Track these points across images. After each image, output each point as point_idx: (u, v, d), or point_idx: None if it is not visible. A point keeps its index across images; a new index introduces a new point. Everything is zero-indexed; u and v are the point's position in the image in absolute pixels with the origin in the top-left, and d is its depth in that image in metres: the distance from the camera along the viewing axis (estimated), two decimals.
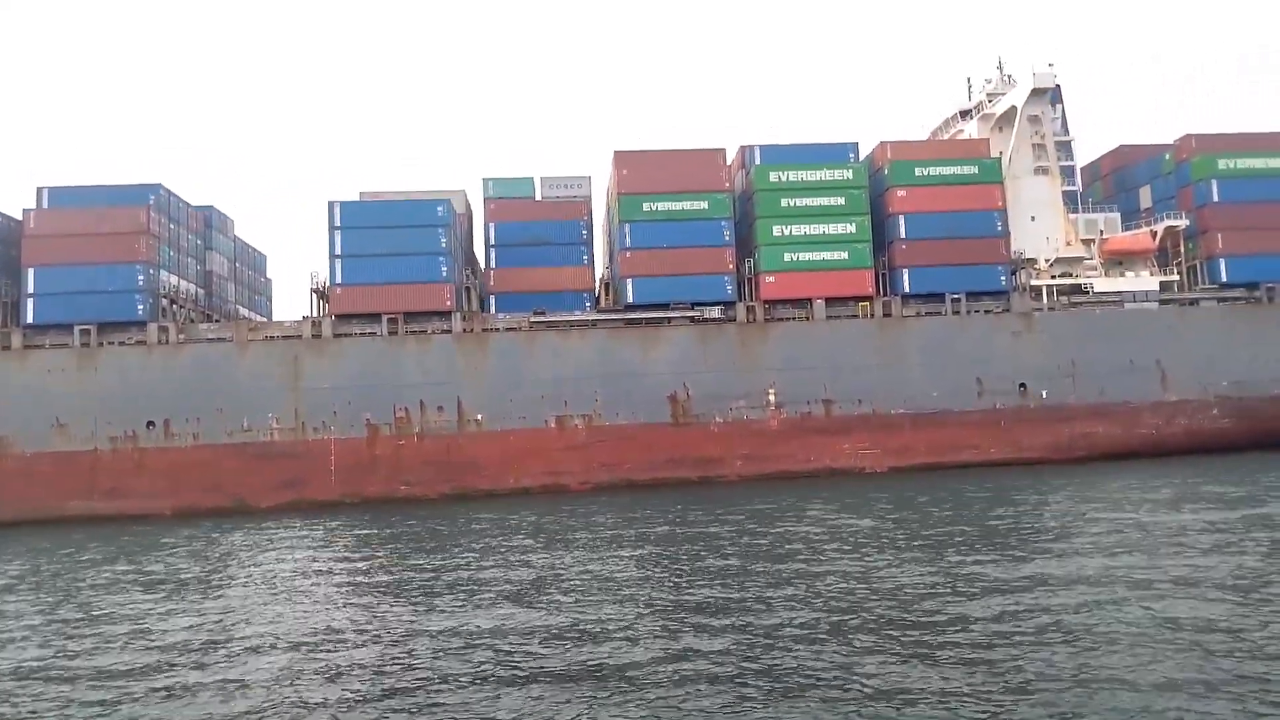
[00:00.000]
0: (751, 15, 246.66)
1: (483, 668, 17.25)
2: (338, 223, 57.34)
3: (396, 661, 18.03)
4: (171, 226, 60.73)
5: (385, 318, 56.95)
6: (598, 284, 65.63)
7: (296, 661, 18.41)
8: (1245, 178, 63.11)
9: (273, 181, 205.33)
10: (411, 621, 21.36)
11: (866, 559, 26.47)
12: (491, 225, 62.29)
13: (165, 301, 58.40)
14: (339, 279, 57.16)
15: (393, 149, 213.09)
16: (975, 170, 61.94)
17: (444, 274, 57.36)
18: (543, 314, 58.68)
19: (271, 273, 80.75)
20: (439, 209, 57.95)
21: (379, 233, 57.27)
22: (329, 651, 19.09)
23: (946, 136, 71.69)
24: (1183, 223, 63.20)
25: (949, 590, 21.64)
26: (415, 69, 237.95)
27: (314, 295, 59.70)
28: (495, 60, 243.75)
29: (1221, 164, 63.11)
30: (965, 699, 14.31)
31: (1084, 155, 75.56)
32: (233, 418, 55.47)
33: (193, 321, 60.99)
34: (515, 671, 16.92)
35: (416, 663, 17.83)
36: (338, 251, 57.23)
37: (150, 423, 55.16)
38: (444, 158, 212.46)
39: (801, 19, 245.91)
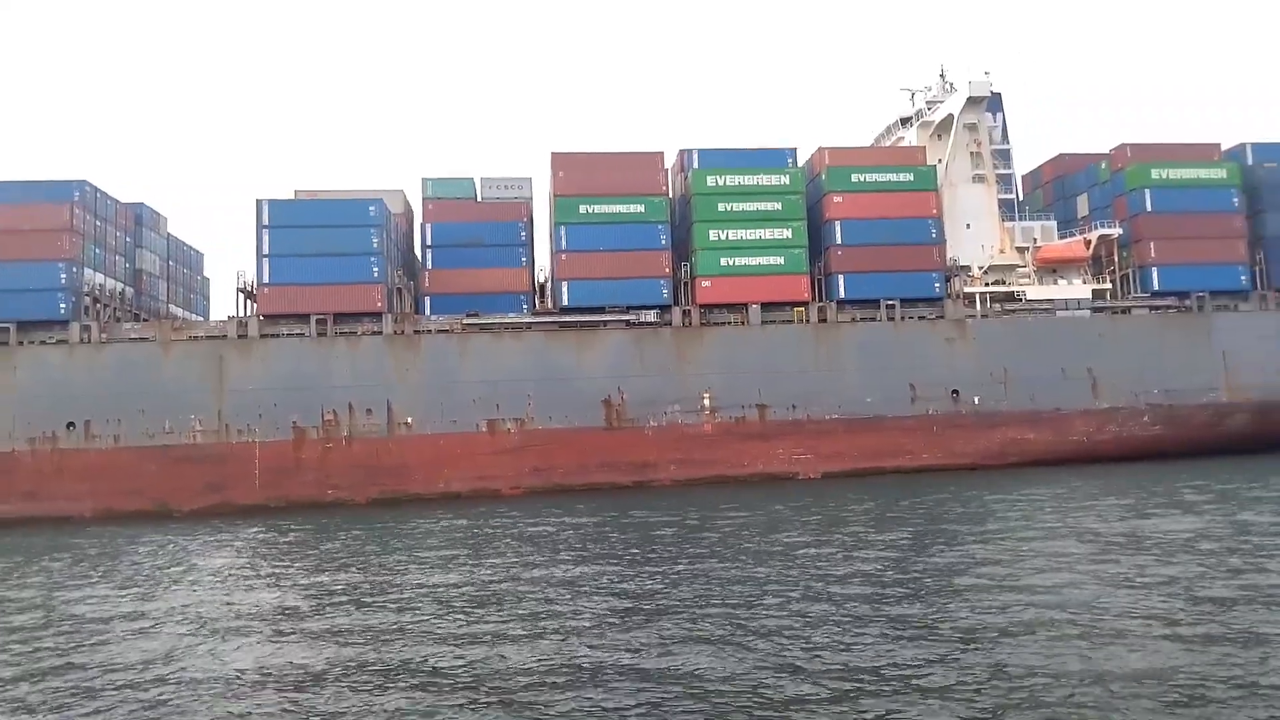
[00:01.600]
0: (701, 18, 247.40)
1: (391, 677, 16.64)
2: (266, 221, 56.40)
3: (294, 677, 17.21)
4: (98, 224, 59.40)
5: (314, 318, 56.09)
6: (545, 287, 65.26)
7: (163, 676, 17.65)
8: (1178, 187, 63.92)
9: (214, 180, 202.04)
10: (315, 634, 20.54)
11: (796, 563, 26.20)
12: (428, 226, 61.67)
13: (89, 300, 57.13)
14: (266, 279, 56.22)
15: (338, 148, 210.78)
16: (911, 177, 62.28)
17: (375, 275, 56.60)
18: (476, 316, 58.11)
19: (210, 271, 79.41)
20: (371, 209, 57.21)
21: (309, 232, 56.40)
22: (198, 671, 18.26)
23: (889, 143, 72.04)
24: (1116, 231, 63.90)
25: (872, 591, 21.40)
26: (362, 67, 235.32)
27: (240, 295, 58.67)
28: (443, 60, 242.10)
29: (1155, 174, 63.89)
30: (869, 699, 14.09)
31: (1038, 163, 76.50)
32: (155, 419, 54.35)
33: (119, 321, 59.70)
34: (424, 681, 16.32)
35: (317, 677, 17.07)
36: (266, 251, 56.27)
37: (70, 424, 53.93)
38: (390, 158, 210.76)
39: (751, 24, 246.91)
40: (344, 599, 24.42)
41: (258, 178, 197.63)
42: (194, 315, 72.98)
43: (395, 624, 20.88)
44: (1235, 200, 64.19)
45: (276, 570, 30.73)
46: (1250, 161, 66.38)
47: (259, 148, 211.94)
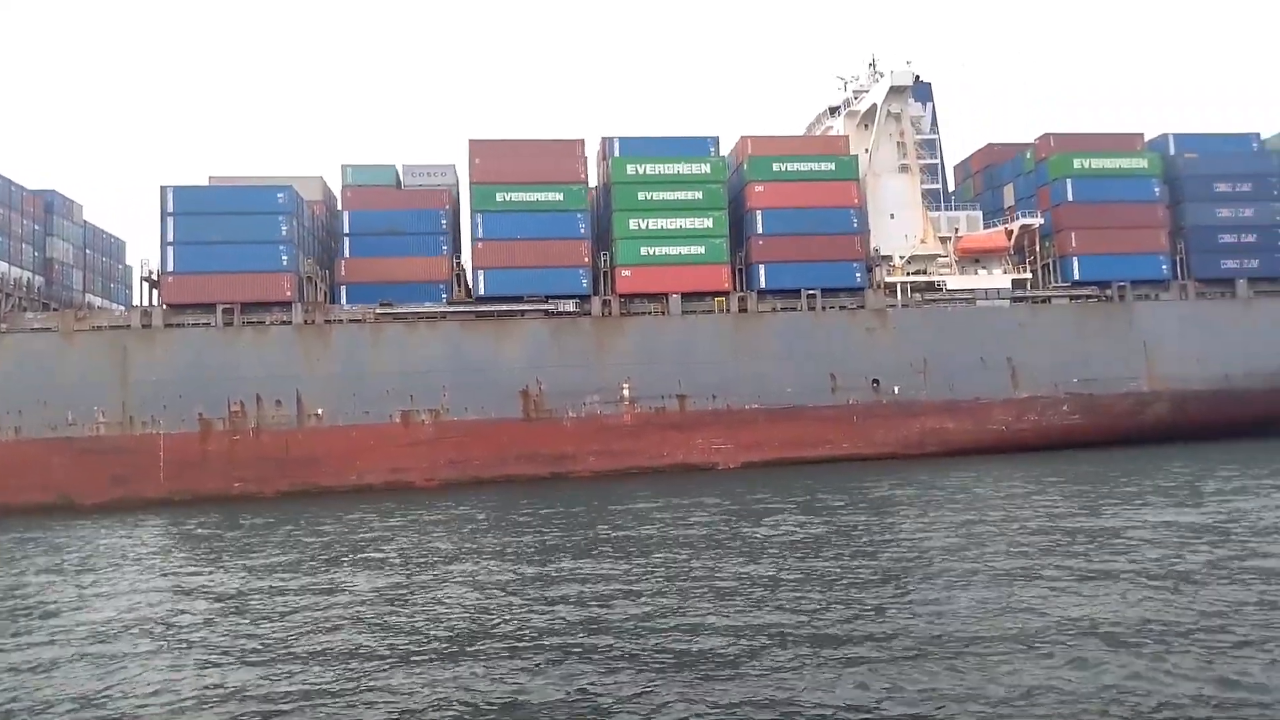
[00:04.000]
0: (635, 5, 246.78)
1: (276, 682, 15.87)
2: (170, 208, 55.06)
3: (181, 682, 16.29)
4: (0, 211, 57.74)
5: (220, 308, 54.88)
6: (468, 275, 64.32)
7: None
8: (1099, 177, 64.03)
9: (142, 169, 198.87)
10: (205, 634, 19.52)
11: (703, 558, 25.62)
12: (346, 213, 60.56)
13: None
14: (171, 267, 54.94)
15: (266, 136, 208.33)
16: (832, 167, 61.91)
17: (284, 263, 55.45)
18: (389, 305, 57.14)
19: (134, 260, 77.57)
20: (280, 195, 56.03)
21: (215, 219, 55.13)
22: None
23: (819, 133, 71.69)
24: (1037, 221, 63.94)
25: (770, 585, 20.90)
26: (290, 53, 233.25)
27: (145, 284, 57.31)
28: (373, 46, 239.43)
29: (1076, 163, 63.93)
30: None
31: None
32: (57, 411, 53.02)
33: (24, 310, 58.10)
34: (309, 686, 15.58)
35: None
36: (170, 238, 54.99)
37: None
38: (321, 146, 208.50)
39: (691, 10, 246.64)
40: (209, 603, 23.63)
41: (184, 165, 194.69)
42: (114, 304, 71.33)
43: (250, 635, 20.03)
44: (1157, 190, 64.38)
45: (143, 572, 29.85)
46: (1172, 152, 66.64)
47: (187, 137, 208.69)
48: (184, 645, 18.49)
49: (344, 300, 58.40)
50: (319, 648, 17.62)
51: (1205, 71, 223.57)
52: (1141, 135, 66.96)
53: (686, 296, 59.70)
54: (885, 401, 59.70)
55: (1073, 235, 63.21)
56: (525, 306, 58.35)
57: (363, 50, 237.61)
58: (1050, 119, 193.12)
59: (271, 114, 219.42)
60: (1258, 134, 68.57)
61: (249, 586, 24.44)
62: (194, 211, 55.34)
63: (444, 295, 59.16)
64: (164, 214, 55.21)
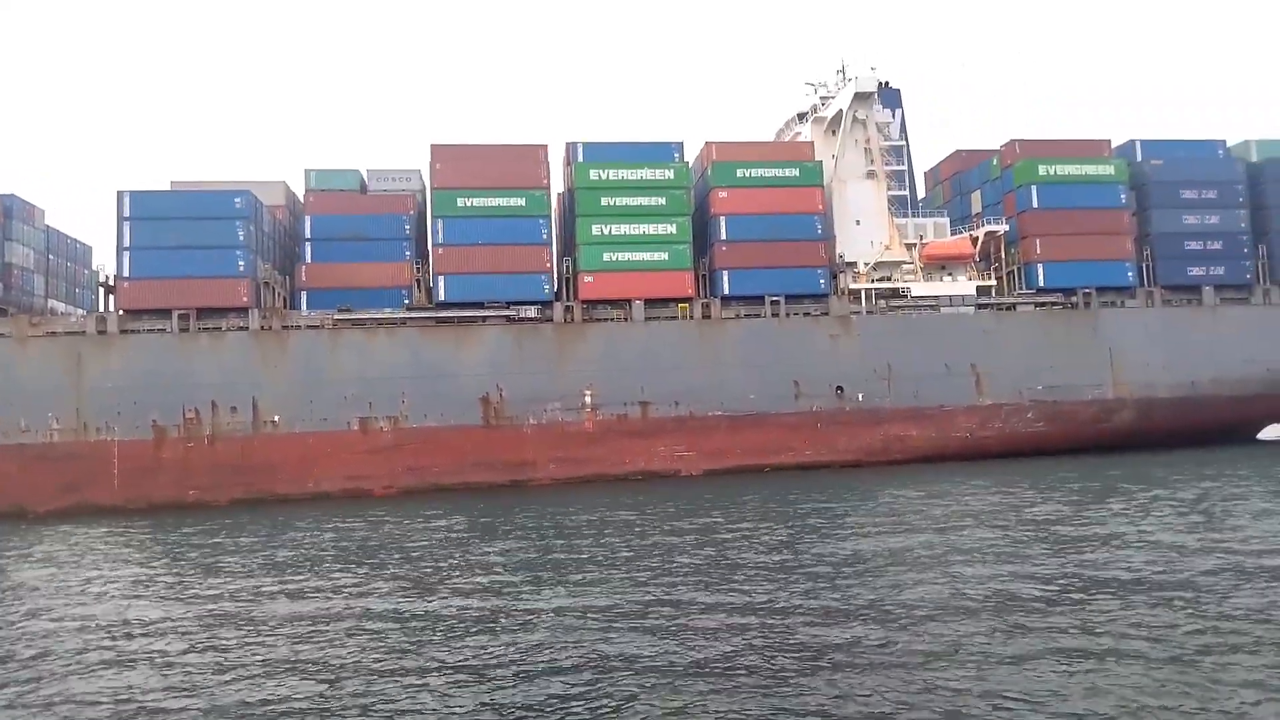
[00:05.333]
0: (607, 10, 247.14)
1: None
2: (127, 213, 54.56)
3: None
4: None
5: (176, 314, 54.38)
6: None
7: None
8: (1065, 184, 63.89)
9: (110, 173, 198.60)
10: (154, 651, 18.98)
11: (667, 565, 25.28)
12: (307, 218, 60.18)
13: None
14: (127, 272, 54.44)
15: (232, 141, 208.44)
16: (797, 173, 61.69)
17: (241, 268, 54.93)
18: (348, 311, 56.68)
19: (100, 265, 76.88)
20: (237, 200, 55.55)
21: (171, 224, 54.62)
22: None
23: (788, 139, 71.45)
24: (1002, 228, 63.77)
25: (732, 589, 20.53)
26: (258, 56, 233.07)
27: (101, 290, 56.78)
28: (343, 50, 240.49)
29: (1042, 170, 63.79)
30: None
31: None
32: (10, 418, 52.47)
33: None
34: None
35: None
36: (126, 244, 54.50)
37: None
38: (287, 150, 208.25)
39: (664, 15, 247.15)
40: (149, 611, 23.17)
41: (151, 170, 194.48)
42: (78, 310, 70.69)
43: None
44: (1123, 197, 64.31)
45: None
46: (1139, 158, 66.55)
47: (155, 142, 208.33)
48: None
49: (304, 306, 57.92)
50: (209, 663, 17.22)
51: (1179, 78, 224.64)
52: (1108, 141, 66.82)
53: (650, 303, 59.35)
54: (849, 409, 59.44)
55: (1038, 242, 63.04)
56: (486, 313, 57.95)
57: (333, 55, 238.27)
58: (1044, 122, 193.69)
59: (240, 119, 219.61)
60: (1224, 141, 68.54)
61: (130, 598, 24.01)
62: (151, 217, 54.84)
63: (406, 301, 58.73)
64: (120, 219, 54.73)
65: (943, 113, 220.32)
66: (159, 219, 54.85)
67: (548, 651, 16.48)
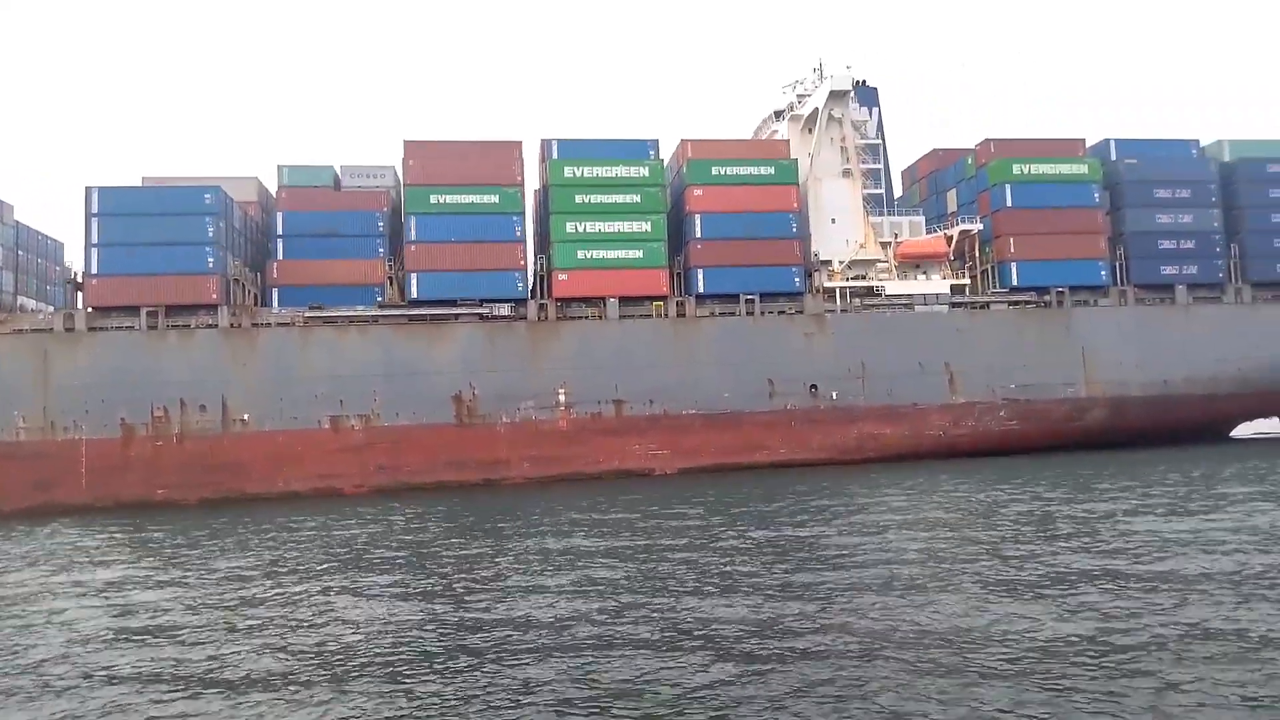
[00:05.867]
0: (585, 8, 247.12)
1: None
2: (95, 209, 54.09)
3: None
4: None
5: (144, 311, 53.88)
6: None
7: None
8: (1038, 183, 64.07)
9: (82, 170, 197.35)
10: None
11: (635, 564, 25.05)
12: (280, 215, 59.71)
13: None
14: (95, 269, 53.91)
15: (208, 137, 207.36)
16: (772, 171, 61.67)
17: (210, 265, 54.49)
18: (319, 308, 56.29)
19: (71, 262, 76.15)
20: (207, 196, 55.08)
21: (140, 221, 54.18)
22: None
23: (765, 137, 71.39)
24: (976, 227, 63.94)
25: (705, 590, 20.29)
26: (235, 50, 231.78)
27: (69, 286, 56.22)
28: (320, 45, 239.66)
29: (1016, 169, 63.98)
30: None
31: None
32: None
33: None
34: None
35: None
36: (94, 240, 54.00)
37: None
38: (264, 146, 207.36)
39: (643, 14, 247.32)
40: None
41: (125, 166, 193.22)
42: (49, 307, 70.01)
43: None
44: (1097, 196, 64.55)
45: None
46: (1114, 157, 66.78)
47: (129, 139, 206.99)
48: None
49: (275, 303, 57.47)
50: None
51: (1154, 77, 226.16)
52: (1083, 141, 67.05)
53: (624, 301, 59.24)
54: (823, 407, 59.47)
55: (1011, 241, 63.21)
56: (459, 310, 57.67)
57: (310, 50, 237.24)
58: (1044, 122, 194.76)
59: (216, 115, 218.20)
60: (1197, 140, 68.87)
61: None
62: (119, 213, 54.35)
63: (379, 299, 58.38)
64: (89, 215, 54.24)
65: (943, 112, 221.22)
66: (127, 215, 54.36)
67: (509, 658, 16.32)
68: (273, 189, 65.23)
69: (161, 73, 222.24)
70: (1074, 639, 15.16)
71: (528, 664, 15.47)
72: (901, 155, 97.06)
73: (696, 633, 16.84)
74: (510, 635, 17.51)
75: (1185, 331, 64.00)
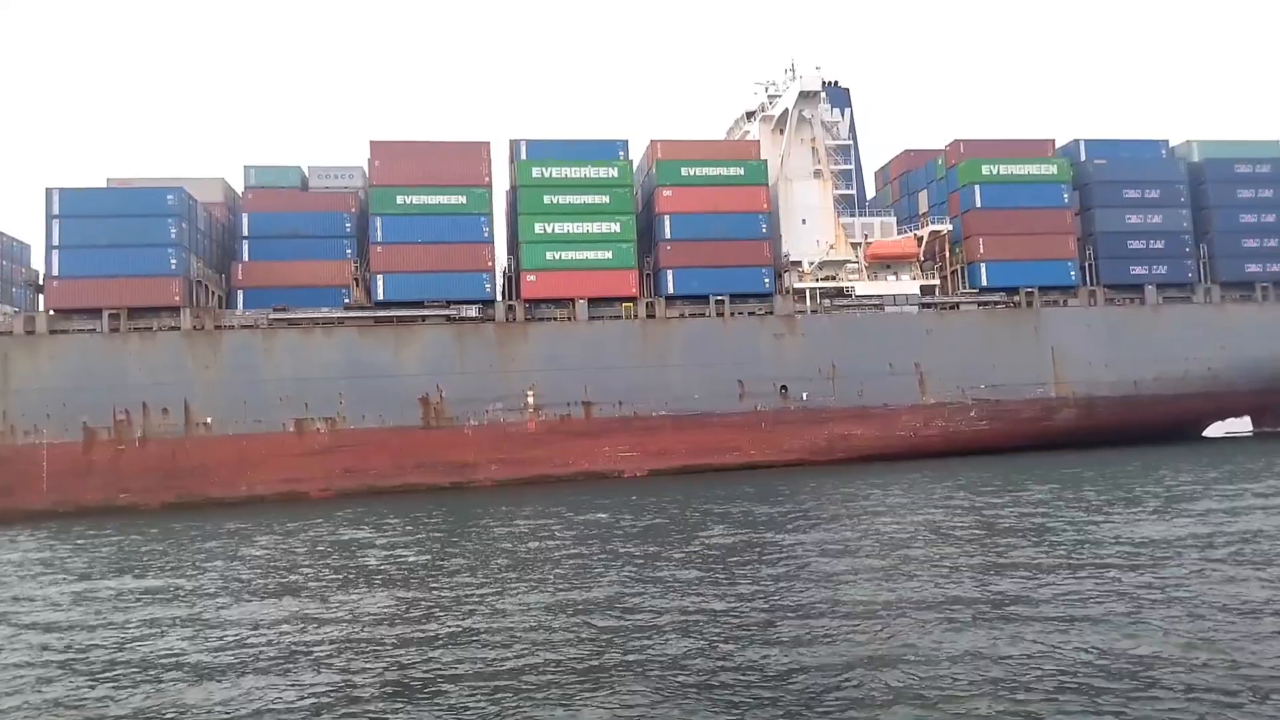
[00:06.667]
0: (559, 9, 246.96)
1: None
2: (56, 211, 53.42)
3: None
4: None
5: (106, 313, 53.26)
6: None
7: None
8: (1008, 183, 64.12)
9: (51, 172, 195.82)
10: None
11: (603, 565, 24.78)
12: (245, 216, 59.21)
13: None
14: (56, 271, 53.27)
15: (175, 138, 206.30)
16: (742, 171, 61.48)
17: (173, 267, 53.88)
18: (284, 310, 55.77)
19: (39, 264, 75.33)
20: (169, 198, 54.48)
21: (102, 222, 53.56)
22: None
23: (738, 138, 71.23)
24: (946, 227, 63.96)
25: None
26: (206, 50, 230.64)
27: (29, 289, 55.52)
28: (290, 46, 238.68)
29: (985, 169, 64.01)
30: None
31: None
32: None
33: None
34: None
35: None
36: (55, 242, 53.35)
37: None
38: (234, 147, 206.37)
39: (620, 15, 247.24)
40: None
41: (92, 168, 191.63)
42: (10, 308, 69.22)
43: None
44: (1066, 196, 64.63)
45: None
46: (1083, 157, 66.91)
47: (96, 140, 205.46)
48: None
49: (240, 305, 56.95)
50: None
51: (1123, 77, 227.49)
52: (1052, 141, 67.17)
53: (593, 302, 58.95)
54: (793, 408, 59.34)
55: (981, 241, 63.23)
56: (426, 312, 57.24)
57: (281, 51, 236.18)
58: (1045, 120, 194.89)
59: (186, 116, 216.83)
60: (1166, 141, 69.11)
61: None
62: (80, 215, 53.73)
63: (346, 300, 57.89)
64: (49, 217, 53.59)
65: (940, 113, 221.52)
66: (89, 217, 53.75)
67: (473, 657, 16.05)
68: (240, 190, 64.71)
69: (130, 73, 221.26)
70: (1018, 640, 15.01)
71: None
72: (876, 156, 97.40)
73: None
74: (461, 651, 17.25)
75: (1155, 331, 64.18)
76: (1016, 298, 63.51)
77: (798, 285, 61.66)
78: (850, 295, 62.13)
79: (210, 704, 14.38)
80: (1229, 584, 18.21)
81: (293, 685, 15.15)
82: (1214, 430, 72.83)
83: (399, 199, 57.81)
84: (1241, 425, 74.17)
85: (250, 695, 14.71)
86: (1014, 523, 28.77)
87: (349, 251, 59.31)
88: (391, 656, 16.53)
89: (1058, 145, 67.52)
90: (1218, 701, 11.80)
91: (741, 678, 13.97)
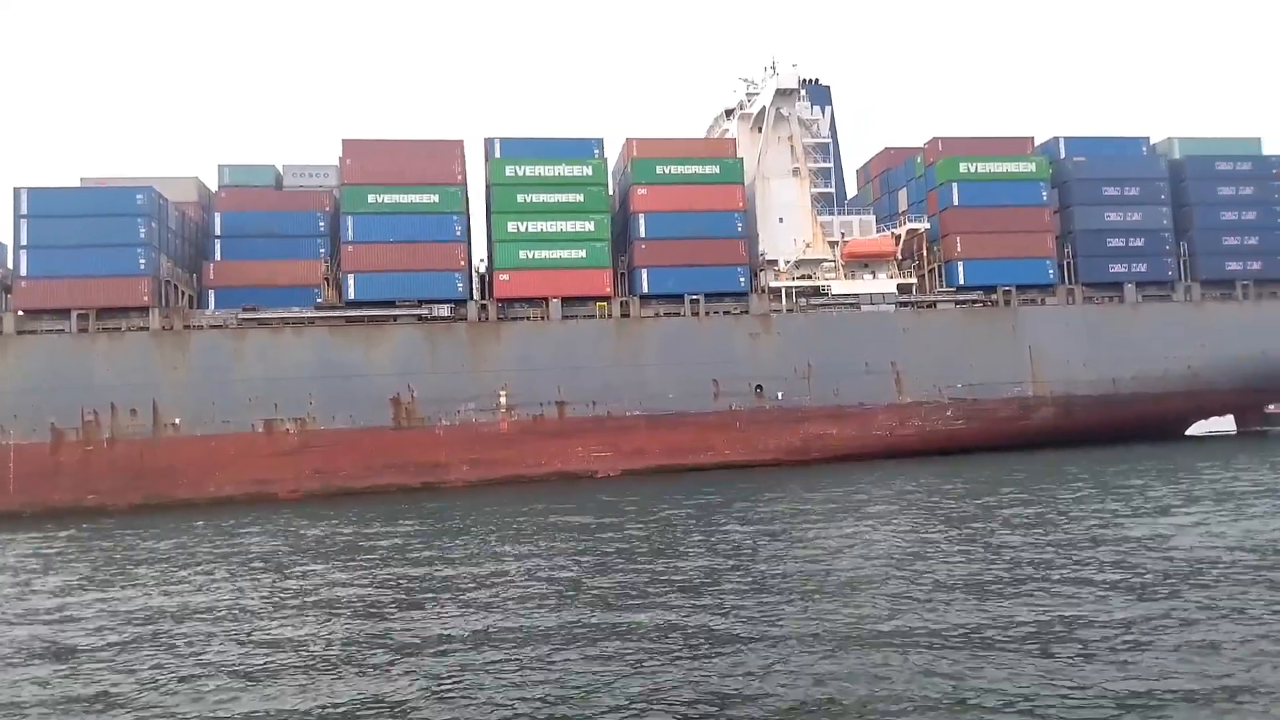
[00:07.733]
0: (534, 8, 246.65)
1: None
2: (25, 211, 53.10)
3: None
4: None
5: (75, 313, 52.97)
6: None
7: None
8: (986, 181, 63.70)
9: (29, 170, 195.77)
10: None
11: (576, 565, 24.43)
12: (218, 215, 58.95)
13: None
14: (24, 271, 52.97)
15: (151, 137, 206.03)
16: (718, 170, 61.15)
17: (142, 266, 53.53)
18: (254, 310, 55.45)
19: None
20: (139, 197, 54.10)
21: (70, 222, 53.14)
22: None
23: (717, 136, 70.86)
24: (923, 226, 63.58)
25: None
26: (182, 49, 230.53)
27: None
28: (262, 46, 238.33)
29: (963, 167, 63.61)
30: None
31: None
32: None
33: None
34: None
35: None
36: (24, 242, 53.04)
37: None
38: (208, 146, 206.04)
39: (598, 13, 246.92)
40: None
41: (65, 166, 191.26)
42: None
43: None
44: (1044, 194, 64.23)
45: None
46: (1062, 155, 66.52)
47: (69, 138, 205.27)
48: None
49: (211, 305, 56.67)
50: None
51: (1103, 74, 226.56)
52: (1031, 139, 66.79)
53: (567, 301, 58.63)
54: (769, 407, 59.01)
55: (958, 239, 62.86)
56: (397, 311, 56.92)
57: (257, 49, 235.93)
58: (1041, 121, 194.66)
59: (161, 115, 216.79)
60: (1147, 138, 68.72)
61: None
62: (49, 214, 53.38)
63: (319, 300, 57.58)
64: (17, 216, 53.27)
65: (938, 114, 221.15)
66: (58, 216, 53.37)
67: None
68: (214, 189, 64.40)
69: (108, 72, 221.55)
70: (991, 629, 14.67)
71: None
72: (859, 154, 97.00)
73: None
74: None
75: (1134, 330, 63.82)
76: (994, 296, 63.12)
77: (773, 284, 61.31)
78: (826, 294, 61.77)
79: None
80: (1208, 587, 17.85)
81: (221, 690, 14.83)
82: (1197, 429, 72.43)
83: (370, 198, 57.48)
84: (1225, 424, 73.77)
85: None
86: (981, 523, 28.40)
87: (322, 251, 59.03)
88: (324, 657, 16.21)
89: (1037, 143, 67.16)
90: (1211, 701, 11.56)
91: (699, 688, 13.68)
